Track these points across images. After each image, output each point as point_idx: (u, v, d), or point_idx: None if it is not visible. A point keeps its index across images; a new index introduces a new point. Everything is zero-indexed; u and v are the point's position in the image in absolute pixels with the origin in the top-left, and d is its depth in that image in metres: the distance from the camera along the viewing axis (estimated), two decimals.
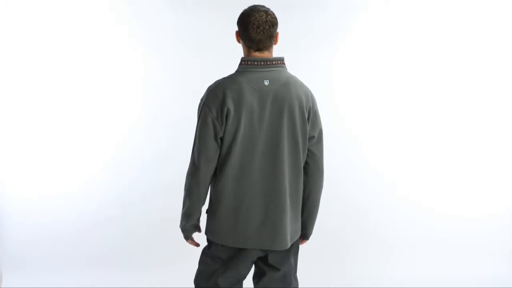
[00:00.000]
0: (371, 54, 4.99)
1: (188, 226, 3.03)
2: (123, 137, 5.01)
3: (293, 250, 3.09)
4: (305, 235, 3.15)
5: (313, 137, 2.94)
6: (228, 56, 5.02)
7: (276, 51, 4.99)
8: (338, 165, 5.04)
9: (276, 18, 2.86)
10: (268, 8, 2.89)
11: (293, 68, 5.04)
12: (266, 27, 2.82)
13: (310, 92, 2.97)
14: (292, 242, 3.00)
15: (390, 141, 5.06)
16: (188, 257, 4.90)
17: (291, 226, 2.94)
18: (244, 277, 3.07)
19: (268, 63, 2.87)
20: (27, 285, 4.80)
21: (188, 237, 3.09)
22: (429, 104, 5.08)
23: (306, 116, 2.88)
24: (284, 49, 4.99)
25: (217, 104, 2.77)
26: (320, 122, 2.97)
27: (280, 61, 2.90)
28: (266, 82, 2.83)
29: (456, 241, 5.01)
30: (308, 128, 2.89)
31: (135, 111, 5.02)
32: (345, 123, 5.05)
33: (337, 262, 4.87)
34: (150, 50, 5.00)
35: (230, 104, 2.76)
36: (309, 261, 4.86)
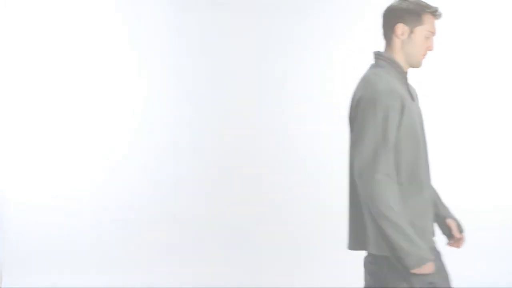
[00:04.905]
0: (370, 55, 4.98)
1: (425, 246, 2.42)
2: (124, 139, 5.00)
3: None
4: None
5: None
6: (232, 58, 5.04)
7: (276, 50, 5.01)
8: (337, 165, 5.03)
9: (389, 6, 2.58)
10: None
11: (292, 68, 5.06)
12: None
13: None
14: None
15: None
16: (188, 258, 4.91)
17: None
18: None
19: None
20: (27, 285, 4.79)
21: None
22: (430, 102, 5.06)
23: None
24: (285, 49, 5.01)
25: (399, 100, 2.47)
26: None
27: (376, 57, 2.65)
28: None
29: None
30: None
31: (136, 113, 5.01)
32: (345, 123, 5.05)
33: (337, 262, 4.87)
34: (152, 51, 4.99)
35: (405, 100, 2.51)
36: (310, 261, 4.86)
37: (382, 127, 2.38)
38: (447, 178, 5.06)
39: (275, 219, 4.97)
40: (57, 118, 4.99)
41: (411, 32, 2.50)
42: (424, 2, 2.52)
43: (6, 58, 4.94)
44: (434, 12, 2.52)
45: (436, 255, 2.51)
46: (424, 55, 2.55)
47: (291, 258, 4.81)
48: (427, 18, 2.50)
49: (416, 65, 2.56)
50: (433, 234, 2.53)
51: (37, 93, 4.97)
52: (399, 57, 2.55)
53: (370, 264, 2.53)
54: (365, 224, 2.49)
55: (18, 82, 4.96)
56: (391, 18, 2.54)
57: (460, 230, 2.73)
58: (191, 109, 5.00)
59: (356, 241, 2.56)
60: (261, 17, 4.98)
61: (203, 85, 5.01)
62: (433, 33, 2.53)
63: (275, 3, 4.99)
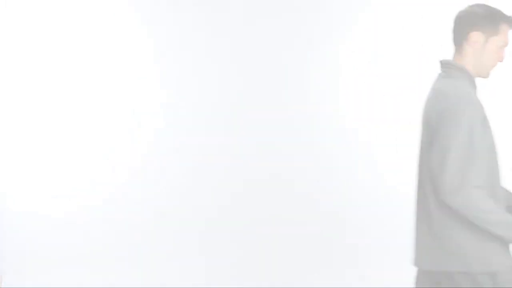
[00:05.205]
0: (373, 54, 4.99)
1: None
2: (124, 139, 5.01)
3: None
4: None
5: None
6: (233, 58, 5.05)
7: (278, 50, 5.02)
8: (337, 164, 5.04)
9: (464, 11, 2.42)
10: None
11: (293, 67, 5.06)
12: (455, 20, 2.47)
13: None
14: None
15: (392, 142, 5.06)
16: (189, 258, 4.91)
17: None
18: None
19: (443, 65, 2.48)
20: (27, 285, 4.80)
21: None
22: None
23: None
24: (285, 49, 5.01)
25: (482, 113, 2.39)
26: None
27: (446, 66, 2.46)
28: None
29: None
30: None
31: (136, 113, 5.02)
32: (347, 124, 5.05)
33: (337, 262, 4.87)
34: (152, 51, 5.00)
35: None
36: (311, 261, 4.87)
37: (468, 140, 2.27)
38: None
39: (277, 219, 4.97)
40: (57, 118, 4.99)
41: (486, 41, 2.38)
42: (500, 11, 2.40)
43: (6, 58, 4.94)
44: (511, 22, 2.40)
45: None
46: (494, 66, 2.42)
47: (292, 259, 4.81)
48: (503, 28, 2.39)
49: (484, 75, 2.45)
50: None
51: (37, 94, 4.98)
52: (469, 66, 2.42)
53: (440, 279, 2.44)
54: (434, 241, 2.39)
55: (17, 83, 4.96)
56: (465, 25, 2.40)
57: None
58: (193, 109, 5.01)
59: (424, 259, 2.45)
60: (261, 18, 4.99)
61: (204, 85, 5.02)
62: (506, 43, 2.41)
63: (275, 3, 5.00)
